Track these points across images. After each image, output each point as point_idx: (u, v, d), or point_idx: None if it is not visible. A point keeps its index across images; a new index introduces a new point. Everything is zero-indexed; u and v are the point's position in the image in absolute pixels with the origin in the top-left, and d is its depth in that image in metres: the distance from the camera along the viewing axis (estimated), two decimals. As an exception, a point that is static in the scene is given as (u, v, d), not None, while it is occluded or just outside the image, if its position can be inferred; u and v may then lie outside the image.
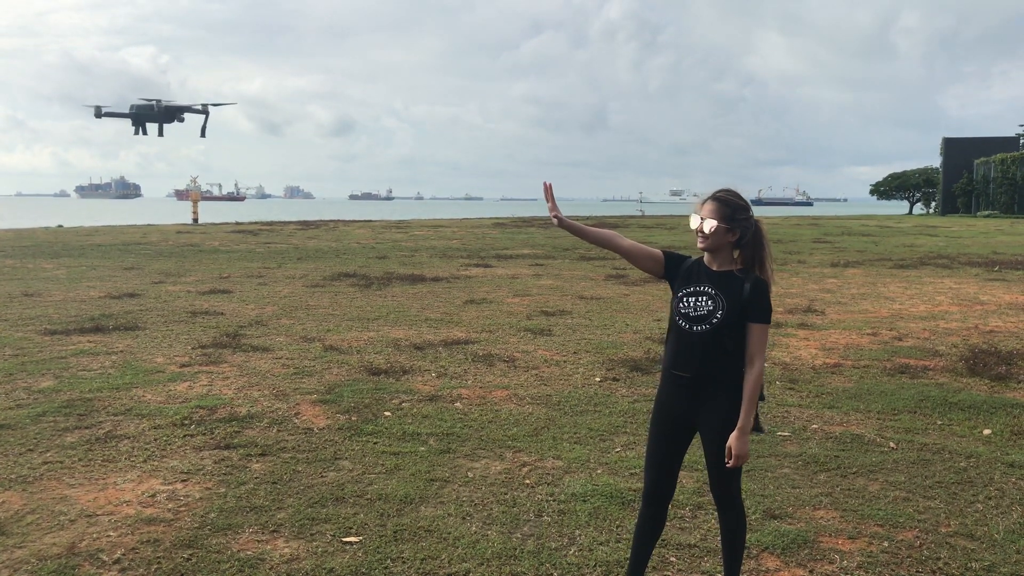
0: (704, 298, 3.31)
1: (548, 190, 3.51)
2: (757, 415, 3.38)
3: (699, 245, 3.37)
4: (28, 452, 5.48)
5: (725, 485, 3.41)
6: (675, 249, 3.54)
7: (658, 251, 3.48)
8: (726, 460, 3.28)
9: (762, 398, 3.41)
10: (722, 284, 3.31)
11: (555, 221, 3.46)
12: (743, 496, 4.64)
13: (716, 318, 3.26)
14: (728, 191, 3.38)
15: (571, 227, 3.47)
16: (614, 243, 3.50)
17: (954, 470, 5.29)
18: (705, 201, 3.37)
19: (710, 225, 3.30)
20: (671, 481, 3.49)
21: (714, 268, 3.37)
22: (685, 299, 3.35)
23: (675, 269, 3.43)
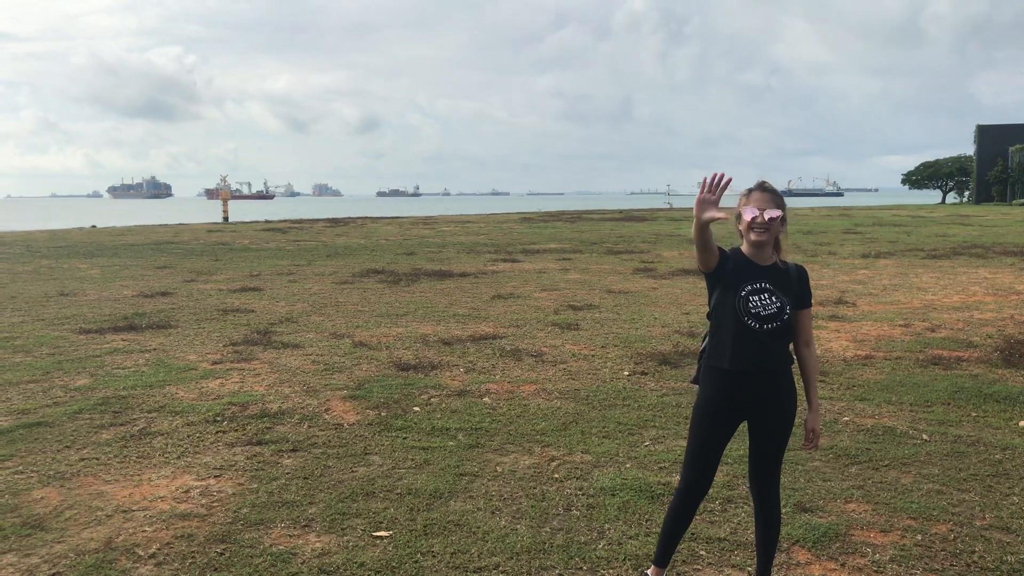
0: (768, 295, 3.28)
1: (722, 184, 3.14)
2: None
3: (756, 238, 3.28)
4: (65, 449, 5.59)
5: (772, 478, 3.46)
6: (716, 241, 3.48)
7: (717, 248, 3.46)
8: (808, 442, 3.47)
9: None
10: (775, 279, 3.31)
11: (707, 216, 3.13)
12: (773, 489, 4.62)
13: (785, 315, 3.29)
14: (769, 183, 3.38)
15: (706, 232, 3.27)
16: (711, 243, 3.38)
17: (989, 462, 5.21)
18: (751, 192, 3.34)
19: (772, 214, 3.27)
20: (714, 473, 3.52)
21: (759, 262, 3.33)
22: (751, 297, 3.27)
23: (725, 263, 3.33)
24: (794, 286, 3.33)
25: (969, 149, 69.63)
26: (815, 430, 3.45)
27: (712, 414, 3.40)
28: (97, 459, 5.39)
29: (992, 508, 4.51)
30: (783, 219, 3.33)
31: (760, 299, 3.27)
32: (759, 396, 3.34)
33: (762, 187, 3.34)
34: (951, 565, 3.87)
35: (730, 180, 3.15)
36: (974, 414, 6.25)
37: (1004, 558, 3.92)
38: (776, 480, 3.48)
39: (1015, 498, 4.65)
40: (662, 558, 3.58)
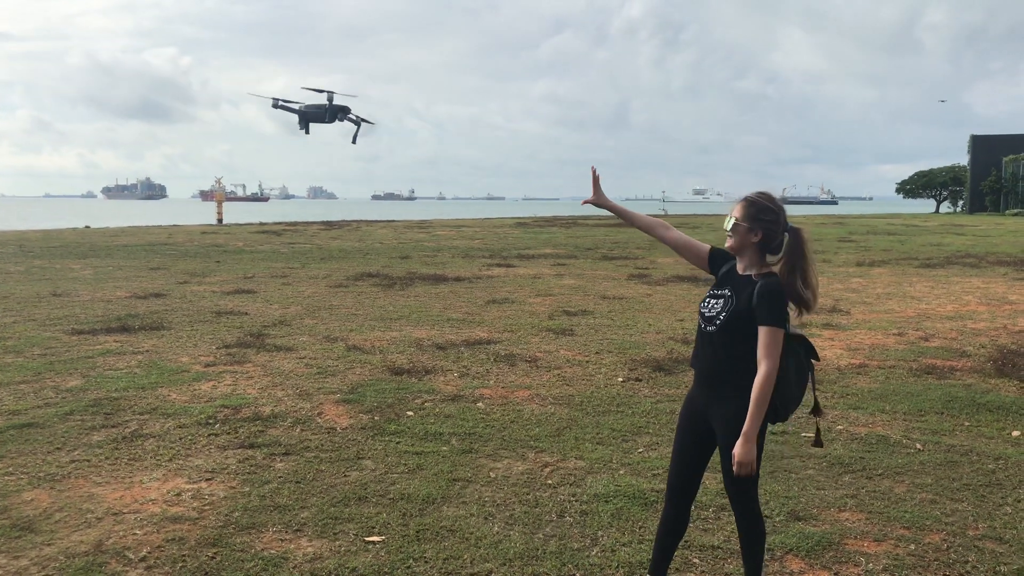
0: (719, 299, 3.35)
1: (595, 177, 3.59)
2: (818, 430, 3.50)
3: (726, 245, 3.40)
4: (56, 451, 5.55)
5: (734, 488, 3.35)
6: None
7: (705, 247, 3.54)
8: (728, 470, 3.26)
9: (817, 412, 3.48)
10: (739, 286, 3.31)
11: (592, 201, 3.57)
12: (766, 498, 4.61)
13: (720, 319, 3.28)
14: (759, 192, 3.38)
15: (614, 208, 3.54)
16: (658, 231, 3.59)
17: (982, 472, 5.21)
18: (738, 202, 3.40)
19: (730, 222, 3.33)
20: (690, 477, 3.47)
21: (739, 271, 3.38)
22: (706, 299, 3.43)
23: (718, 268, 3.49)
24: (751, 298, 3.23)
25: (963, 159, 69.91)
26: (734, 453, 3.19)
27: (680, 412, 3.54)
28: (88, 461, 5.36)
29: (985, 518, 4.51)
30: (752, 229, 3.28)
31: (711, 301, 3.37)
32: (713, 401, 3.34)
33: (743, 196, 3.39)
34: (944, 575, 3.87)
35: (596, 172, 3.60)
36: (967, 424, 6.26)
37: (997, 568, 3.92)
38: (742, 492, 3.34)
39: (1008, 508, 4.65)
40: (656, 569, 3.57)
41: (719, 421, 3.31)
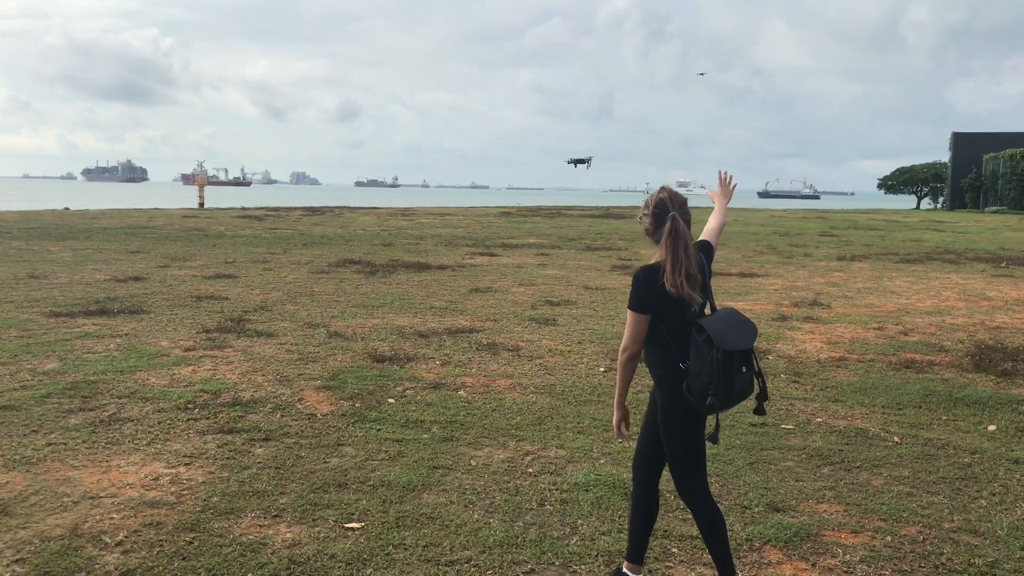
0: None
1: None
2: (717, 425, 3.32)
3: None
4: (32, 433, 5.49)
5: (675, 479, 3.46)
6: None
7: None
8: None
9: (761, 411, 3.45)
10: None
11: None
12: (745, 489, 4.63)
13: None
14: (659, 188, 3.50)
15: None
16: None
17: (958, 466, 5.26)
18: None
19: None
20: (650, 452, 3.56)
21: None
22: None
23: None
24: None
25: (944, 156, 70.47)
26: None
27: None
28: (65, 444, 5.31)
29: (960, 511, 4.56)
30: (642, 221, 3.49)
31: None
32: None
33: None
34: (920, 567, 3.90)
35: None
36: (944, 418, 6.32)
37: (972, 560, 3.96)
38: (676, 480, 3.42)
39: (983, 501, 4.70)
40: (632, 554, 3.61)
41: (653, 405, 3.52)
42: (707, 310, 3.39)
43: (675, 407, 3.30)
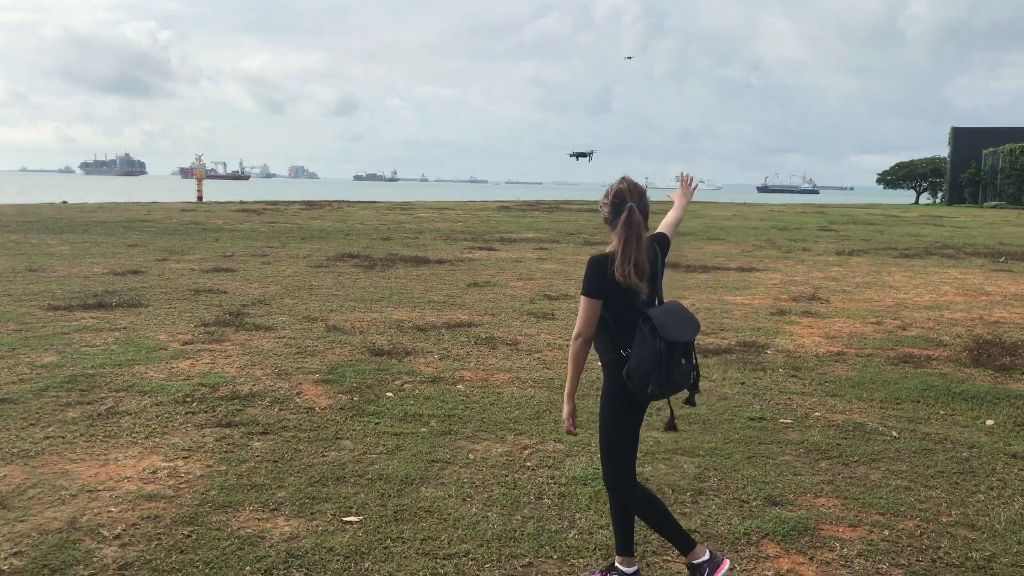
0: None
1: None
2: (672, 413, 3.50)
3: None
4: (30, 427, 5.49)
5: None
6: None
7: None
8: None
9: (691, 402, 3.53)
10: None
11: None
12: (743, 483, 4.65)
13: None
14: (620, 178, 3.52)
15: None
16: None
17: (956, 460, 5.27)
18: None
19: None
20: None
21: None
22: None
23: None
24: None
25: (943, 151, 70.45)
26: None
27: None
28: (63, 437, 5.30)
29: (958, 505, 4.56)
30: (600, 211, 3.55)
31: None
32: None
33: None
34: (917, 560, 3.91)
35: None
36: (942, 412, 6.32)
37: (969, 554, 3.96)
38: (604, 465, 3.56)
39: (981, 495, 4.70)
40: (622, 547, 3.64)
41: None
42: (659, 303, 3.46)
43: (616, 391, 3.40)
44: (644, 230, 3.37)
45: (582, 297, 3.41)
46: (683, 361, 3.33)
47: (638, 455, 5.18)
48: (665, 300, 3.49)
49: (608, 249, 3.41)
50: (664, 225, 3.77)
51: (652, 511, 3.51)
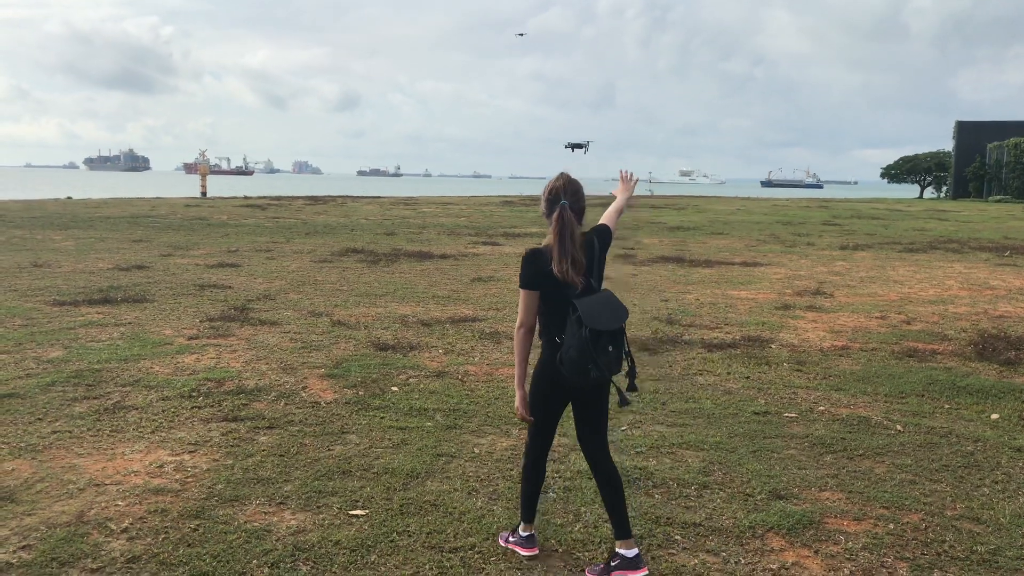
0: None
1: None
2: (620, 391, 3.64)
3: None
4: (37, 421, 5.51)
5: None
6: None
7: None
8: None
9: (632, 388, 3.66)
10: None
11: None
12: (748, 477, 4.66)
13: None
14: (557, 175, 3.69)
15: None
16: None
17: (961, 454, 5.27)
18: None
19: None
20: (579, 437, 3.81)
21: None
22: None
23: None
24: None
25: (948, 145, 70.21)
26: None
27: None
28: (70, 432, 5.33)
29: (963, 499, 4.57)
30: (541, 206, 3.73)
31: None
32: None
33: None
34: (922, 554, 3.91)
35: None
36: (947, 406, 6.32)
37: (974, 548, 3.97)
38: (528, 441, 3.79)
39: (985, 489, 4.71)
40: (527, 515, 3.86)
41: None
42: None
43: (541, 372, 3.61)
44: (577, 227, 3.54)
45: (520, 290, 3.60)
46: (610, 348, 3.45)
47: (642, 449, 5.20)
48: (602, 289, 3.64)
49: (544, 243, 3.57)
50: (606, 216, 3.91)
51: (607, 491, 3.69)
